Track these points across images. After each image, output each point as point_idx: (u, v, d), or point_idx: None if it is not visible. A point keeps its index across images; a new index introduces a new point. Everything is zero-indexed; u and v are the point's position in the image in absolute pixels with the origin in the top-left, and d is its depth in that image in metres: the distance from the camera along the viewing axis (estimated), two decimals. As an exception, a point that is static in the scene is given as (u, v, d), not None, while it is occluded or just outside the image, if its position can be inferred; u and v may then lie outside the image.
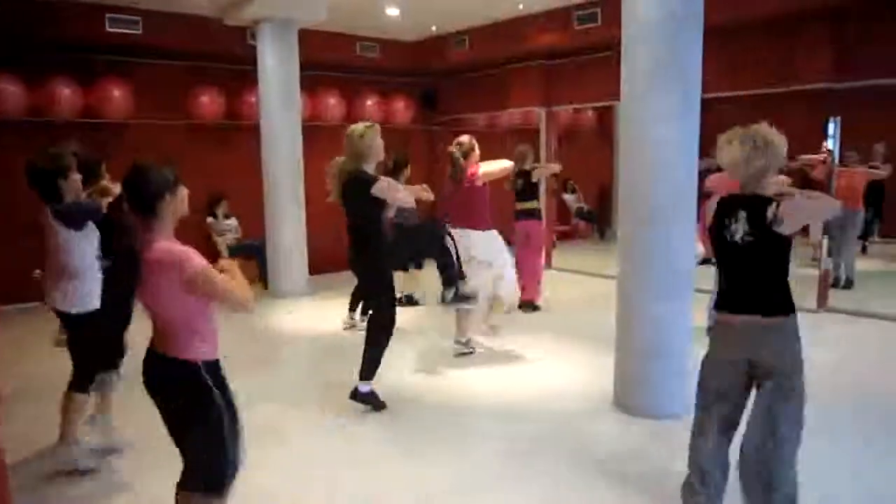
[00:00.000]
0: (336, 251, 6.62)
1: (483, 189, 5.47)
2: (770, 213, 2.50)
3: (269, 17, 7.52)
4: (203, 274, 2.31)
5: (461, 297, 4.77)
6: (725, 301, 2.73)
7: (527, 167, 6.94)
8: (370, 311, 4.46)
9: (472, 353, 5.50)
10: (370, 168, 4.21)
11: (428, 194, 4.39)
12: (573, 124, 11.23)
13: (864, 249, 9.63)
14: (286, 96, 7.83)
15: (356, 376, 4.30)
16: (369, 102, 9.91)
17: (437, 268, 4.69)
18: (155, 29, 7.76)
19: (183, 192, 2.47)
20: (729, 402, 2.69)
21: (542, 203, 7.39)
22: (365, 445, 3.93)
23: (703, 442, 2.72)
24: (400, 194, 4.22)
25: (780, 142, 2.60)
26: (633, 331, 4.22)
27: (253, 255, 8.36)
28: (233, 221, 8.62)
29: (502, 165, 5.68)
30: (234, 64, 8.52)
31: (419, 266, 7.15)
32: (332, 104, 9.50)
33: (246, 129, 8.53)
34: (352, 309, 6.46)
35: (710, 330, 2.86)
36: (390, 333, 4.31)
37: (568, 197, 12.00)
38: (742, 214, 2.58)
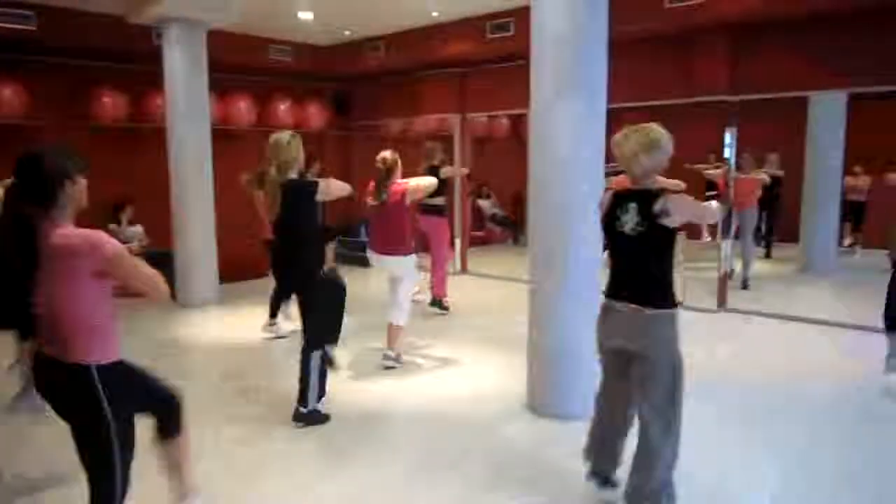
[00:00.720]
0: (247, 259, 6.49)
1: (409, 209, 5.35)
2: (658, 206, 2.66)
3: (176, 17, 7.27)
4: (123, 254, 2.24)
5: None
6: (611, 289, 2.94)
7: (435, 163, 7.00)
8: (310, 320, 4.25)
9: (396, 367, 5.38)
10: (294, 176, 4.13)
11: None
12: (488, 131, 11.40)
13: (767, 254, 10.26)
14: (194, 99, 7.58)
15: (276, 385, 4.20)
16: (282, 107, 9.76)
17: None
18: (51, 25, 7.36)
19: (83, 181, 2.34)
20: (619, 376, 2.97)
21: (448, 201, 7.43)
22: (280, 458, 3.85)
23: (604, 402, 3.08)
24: (335, 185, 4.20)
25: (667, 140, 2.77)
26: (543, 333, 4.31)
27: (160, 263, 8.02)
28: (138, 228, 8.26)
29: (429, 181, 5.51)
30: (140, 64, 8.18)
31: None
32: (244, 108, 9.30)
33: (152, 132, 8.21)
34: (272, 315, 6.30)
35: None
36: (322, 352, 4.23)
37: (483, 202, 12.16)
38: (632, 206, 2.74)
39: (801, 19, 6.44)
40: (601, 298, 3.02)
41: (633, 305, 2.80)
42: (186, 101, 7.53)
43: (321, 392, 4.25)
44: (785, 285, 8.81)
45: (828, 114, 8.85)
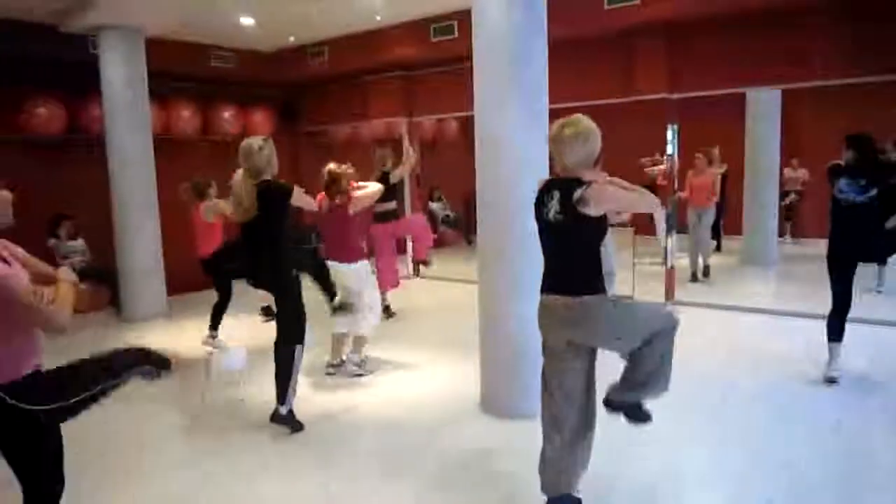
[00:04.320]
0: (196, 270, 6.35)
1: (354, 218, 5.36)
2: (577, 193, 2.66)
3: (111, 24, 7.09)
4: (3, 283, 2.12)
5: (344, 306, 5.05)
6: (545, 281, 2.90)
7: (386, 169, 6.98)
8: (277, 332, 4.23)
9: (363, 374, 5.42)
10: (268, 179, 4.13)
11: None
12: (438, 133, 11.42)
13: (718, 247, 10.50)
14: (134, 109, 7.40)
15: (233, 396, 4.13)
16: (226, 114, 9.59)
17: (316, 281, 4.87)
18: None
19: (5, 194, 2.28)
20: (565, 383, 2.86)
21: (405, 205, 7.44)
22: (239, 467, 3.78)
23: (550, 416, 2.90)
24: (307, 198, 4.40)
25: (597, 132, 2.79)
26: (495, 333, 4.34)
27: (105, 278, 7.82)
28: (79, 243, 7.98)
29: (375, 189, 5.54)
30: (76, 73, 7.89)
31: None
32: (186, 116, 9.11)
33: (91, 143, 7.95)
34: (213, 327, 6.17)
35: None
36: (302, 347, 4.22)
37: (434, 205, 12.16)
38: (556, 194, 2.75)
39: (734, 18, 6.62)
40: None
41: (563, 297, 2.78)
42: (125, 111, 7.35)
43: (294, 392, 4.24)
44: (731, 277, 9.05)
45: (764, 109, 9.14)
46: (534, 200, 2.90)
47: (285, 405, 4.18)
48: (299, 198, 4.21)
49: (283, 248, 4.16)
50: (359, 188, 5.41)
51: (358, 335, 5.40)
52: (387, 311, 7.15)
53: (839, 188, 4.62)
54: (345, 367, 5.42)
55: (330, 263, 5.32)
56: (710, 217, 8.60)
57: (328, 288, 5.02)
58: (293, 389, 4.20)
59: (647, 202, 2.90)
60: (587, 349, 2.85)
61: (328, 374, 5.38)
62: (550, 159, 2.92)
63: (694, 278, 8.52)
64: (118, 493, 3.51)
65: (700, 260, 8.62)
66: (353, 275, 5.28)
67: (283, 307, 4.22)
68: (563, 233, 2.77)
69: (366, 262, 5.38)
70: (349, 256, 5.28)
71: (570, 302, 2.76)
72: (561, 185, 2.76)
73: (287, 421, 4.20)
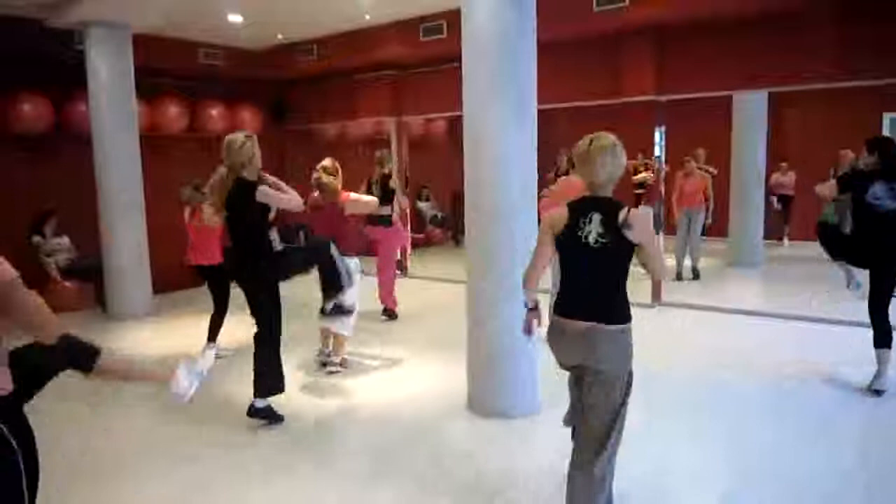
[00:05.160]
0: (182, 268, 6.30)
1: (349, 219, 5.42)
2: (622, 216, 2.59)
3: (98, 20, 7.03)
4: (18, 281, 2.00)
5: (339, 310, 4.97)
6: (566, 304, 2.76)
7: (386, 171, 6.97)
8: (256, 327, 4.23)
9: (339, 371, 5.43)
10: (251, 178, 4.08)
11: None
12: (426, 132, 11.43)
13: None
14: (120, 105, 7.34)
15: (217, 396, 4.11)
16: (214, 112, 9.53)
17: (321, 279, 4.67)
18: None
19: None
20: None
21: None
22: (227, 465, 3.77)
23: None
24: (285, 196, 4.18)
25: (622, 147, 2.72)
26: (482, 332, 4.35)
27: (90, 276, 7.76)
28: (64, 240, 7.90)
29: (369, 200, 5.68)
30: (62, 69, 7.80)
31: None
32: (174, 113, 9.05)
33: (76, 139, 7.87)
34: (211, 339, 5.87)
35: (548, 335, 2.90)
36: (277, 348, 4.24)
37: (422, 204, 12.18)
38: (596, 217, 2.63)
39: (721, 21, 6.67)
40: (550, 314, 2.84)
41: (590, 323, 2.66)
42: (112, 107, 7.29)
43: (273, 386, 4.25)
44: (717, 278, 9.11)
45: (751, 112, 9.21)
46: (557, 226, 2.72)
47: (263, 398, 4.21)
48: (266, 195, 4.04)
49: (259, 242, 4.11)
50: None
51: (336, 334, 5.40)
52: (389, 315, 7.15)
53: (874, 195, 4.43)
54: (330, 362, 5.44)
55: None
56: (700, 218, 8.70)
57: (332, 282, 4.68)
58: (274, 382, 4.23)
59: (663, 260, 2.86)
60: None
61: (317, 360, 5.46)
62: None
63: (679, 277, 8.61)
64: (109, 496, 3.49)
65: (689, 262, 8.72)
66: None
67: (261, 300, 4.18)
68: (605, 257, 2.64)
69: (356, 259, 5.40)
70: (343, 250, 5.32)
71: (604, 328, 2.65)
72: (599, 207, 2.65)
73: (264, 413, 4.23)
